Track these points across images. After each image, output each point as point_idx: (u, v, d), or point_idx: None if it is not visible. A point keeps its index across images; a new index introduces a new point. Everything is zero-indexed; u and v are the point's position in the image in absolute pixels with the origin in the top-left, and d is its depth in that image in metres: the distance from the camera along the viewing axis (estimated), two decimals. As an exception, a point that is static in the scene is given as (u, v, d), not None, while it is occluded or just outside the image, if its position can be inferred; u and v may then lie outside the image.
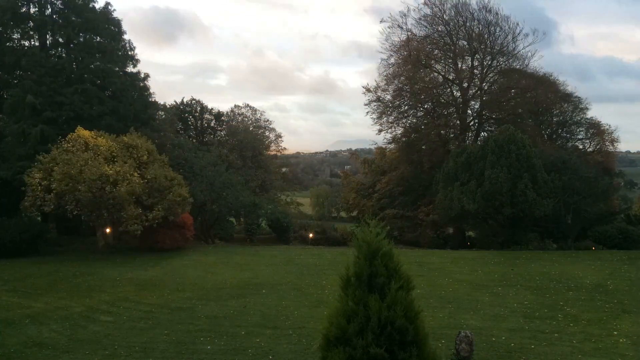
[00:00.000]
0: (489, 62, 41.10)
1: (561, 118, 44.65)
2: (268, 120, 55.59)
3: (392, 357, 7.71)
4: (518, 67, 41.22)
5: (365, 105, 43.36)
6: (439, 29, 41.70)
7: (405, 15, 41.67)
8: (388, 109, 42.68)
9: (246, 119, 52.60)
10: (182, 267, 24.50)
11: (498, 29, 40.62)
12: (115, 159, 28.06)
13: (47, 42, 34.22)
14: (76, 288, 19.97)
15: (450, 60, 41.72)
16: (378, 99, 42.84)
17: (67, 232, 35.83)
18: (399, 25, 42.02)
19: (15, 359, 12.01)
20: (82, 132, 28.90)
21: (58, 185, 26.29)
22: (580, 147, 44.82)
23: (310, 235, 39.08)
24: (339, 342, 7.94)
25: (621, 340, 12.81)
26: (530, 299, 17.48)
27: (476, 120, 42.69)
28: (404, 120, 43.25)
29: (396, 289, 8.03)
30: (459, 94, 41.66)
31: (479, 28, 40.72)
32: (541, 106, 42.10)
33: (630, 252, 28.27)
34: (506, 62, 41.25)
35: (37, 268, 24.33)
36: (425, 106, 42.31)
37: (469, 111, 42.48)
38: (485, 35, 40.70)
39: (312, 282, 20.79)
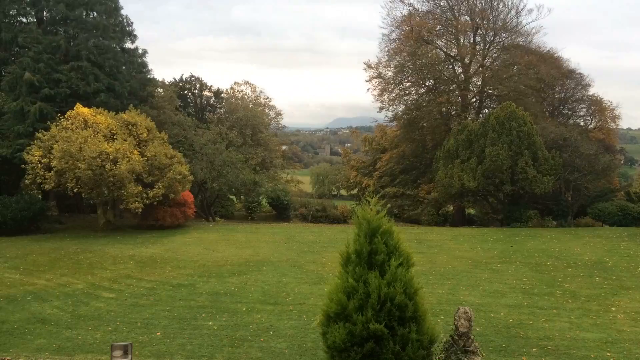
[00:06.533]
0: (492, 38, 40.61)
1: (563, 95, 44.36)
2: (268, 98, 55.21)
3: (392, 332, 7.78)
4: (521, 43, 40.75)
5: (366, 81, 43.05)
6: (441, 3, 41.15)
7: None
8: (389, 85, 42.32)
9: (246, 97, 52.17)
10: (183, 245, 24.62)
11: (501, 4, 40.10)
12: (115, 137, 27.98)
13: (44, 18, 33.81)
14: (78, 265, 20.10)
15: (452, 36, 41.21)
16: (379, 76, 42.45)
17: (67, 210, 35.97)
18: (400, 0, 41.51)
19: (19, 335, 12.12)
20: (81, 110, 28.75)
21: (58, 163, 26.27)
22: (582, 124, 44.63)
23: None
24: (339, 318, 8.00)
25: (619, 316, 12.90)
26: (529, 275, 17.58)
27: (478, 97, 42.39)
28: (405, 98, 42.92)
29: (396, 266, 8.05)
30: (460, 71, 41.28)
31: (482, 3, 40.16)
32: (543, 83, 41.77)
33: (629, 229, 28.38)
34: (509, 38, 40.76)
35: (38, 245, 24.47)
36: (427, 83, 41.95)
37: (471, 88, 42.12)
38: (488, 11, 40.13)
39: (312, 259, 20.90)
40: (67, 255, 22.00)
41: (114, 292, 16.09)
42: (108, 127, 28.32)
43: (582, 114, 45.07)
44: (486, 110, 41.99)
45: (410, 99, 42.92)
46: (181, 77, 47.97)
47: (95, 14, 33.45)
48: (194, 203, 33.60)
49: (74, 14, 32.72)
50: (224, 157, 37.62)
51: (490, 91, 41.82)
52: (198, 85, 48.61)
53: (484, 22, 40.02)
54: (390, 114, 43.78)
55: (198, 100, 49.28)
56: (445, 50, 41.84)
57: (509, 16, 40.09)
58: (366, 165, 50.44)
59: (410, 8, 41.41)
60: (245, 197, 42.56)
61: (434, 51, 41.36)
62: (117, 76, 33.40)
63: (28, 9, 33.63)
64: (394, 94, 42.55)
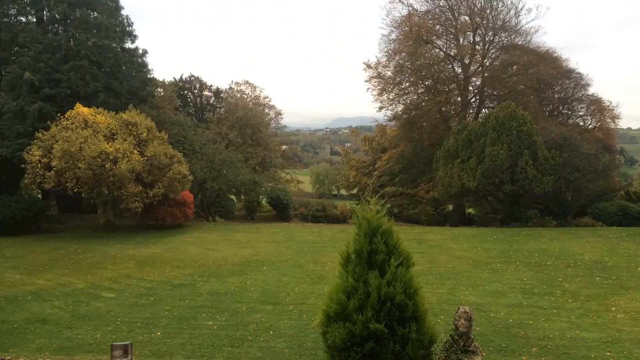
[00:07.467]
0: (491, 38, 40.64)
1: (562, 94, 44.33)
2: (267, 97, 55.30)
3: (392, 332, 7.78)
4: (520, 42, 40.80)
5: (366, 81, 43.12)
6: (440, 3, 41.19)
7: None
8: (389, 85, 42.38)
9: (245, 96, 52.23)
10: (183, 244, 24.62)
11: (500, 3, 40.13)
12: (115, 137, 27.97)
13: (44, 18, 33.78)
14: (78, 265, 20.11)
15: (451, 36, 41.24)
16: (379, 75, 42.50)
17: (67, 209, 35.98)
18: (400, 0, 41.56)
19: (19, 335, 12.12)
20: (81, 109, 28.74)
21: (58, 162, 26.26)
22: (581, 123, 44.60)
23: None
24: (339, 318, 8.00)
25: (619, 316, 12.90)
26: (529, 275, 17.58)
27: (477, 97, 42.42)
28: (404, 97, 42.98)
29: (396, 265, 8.06)
30: (460, 71, 41.30)
31: (481, 3, 40.20)
32: (543, 82, 41.78)
33: (629, 229, 28.37)
34: (508, 38, 40.79)
35: (38, 245, 24.47)
36: (426, 83, 41.99)
37: (470, 88, 42.17)
38: (487, 10, 40.17)
39: (312, 259, 20.90)
40: (67, 255, 22.00)
41: (114, 291, 16.09)
42: (108, 127, 28.31)
43: (581, 113, 45.06)
44: (486, 110, 42.04)
45: (410, 98, 43.01)
46: (181, 77, 48.05)
47: (95, 13, 33.42)
48: (194, 203, 33.62)
49: (75, 13, 32.70)
50: (223, 157, 37.63)
51: (490, 91, 41.86)
52: (198, 85, 48.68)
53: (484, 22, 40.06)
54: (389, 113, 43.92)
55: (198, 100, 49.33)
56: (444, 50, 41.88)
57: (508, 16, 40.17)
58: (366, 164, 50.49)
59: (410, 8, 41.52)
60: (245, 196, 42.60)
61: (433, 51, 41.40)
62: (118, 76, 33.38)
63: (28, 8, 33.58)
64: (393, 94, 42.66)
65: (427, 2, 41.24)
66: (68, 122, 28.05)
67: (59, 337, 11.88)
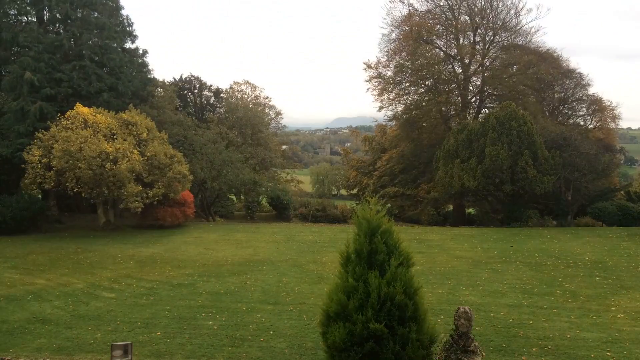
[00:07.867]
0: (491, 38, 40.68)
1: (563, 94, 44.36)
2: (268, 97, 55.23)
3: (392, 332, 7.78)
4: (521, 42, 40.83)
5: (366, 81, 43.15)
6: (441, 3, 41.25)
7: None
8: (389, 85, 42.42)
9: (245, 96, 52.15)
10: (183, 244, 24.62)
11: (501, 3, 40.21)
12: (115, 136, 27.97)
13: (45, 17, 33.78)
14: (78, 265, 20.10)
15: (452, 36, 41.29)
16: (379, 75, 42.55)
17: (67, 209, 35.96)
18: (400, 0, 41.61)
19: (19, 335, 12.12)
20: (81, 109, 28.74)
21: (58, 162, 26.27)
22: (582, 123, 44.64)
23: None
24: (339, 318, 8.00)
25: (619, 315, 12.90)
26: (529, 275, 17.58)
27: (477, 97, 42.43)
28: (404, 97, 43.03)
29: (396, 265, 8.06)
30: (460, 70, 41.32)
31: (481, 3, 40.24)
32: (543, 82, 41.80)
33: (629, 229, 28.37)
34: (508, 38, 40.83)
35: (38, 245, 24.46)
36: (427, 83, 42.02)
37: (470, 88, 42.20)
38: (488, 10, 40.22)
39: (312, 259, 20.89)
40: (67, 255, 21.99)
41: (114, 291, 16.08)
42: (108, 127, 28.30)
43: (582, 113, 45.13)
44: (486, 109, 42.06)
45: (410, 98, 43.05)
46: (181, 76, 47.98)
47: (96, 13, 33.43)
48: (194, 203, 33.61)
49: (76, 13, 32.70)
50: (223, 157, 37.63)
51: (490, 91, 41.88)
52: (198, 85, 48.60)
53: (484, 22, 40.11)
54: (389, 113, 43.95)
55: (198, 100, 49.26)
56: (444, 49, 41.90)
57: (508, 16, 40.26)
58: (366, 164, 50.47)
59: (410, 8, 41.61)
60: (245, 196, 42.60)
61: (433, 51, 41.42)
62: (120, 76, 33.40)
63: (28, 8, 33.57)
64: (393, 94, 42.71)
65: (428, 1, 41.40)
66: (68, 122, 28.06)
67: (59, 337, 11.88)
